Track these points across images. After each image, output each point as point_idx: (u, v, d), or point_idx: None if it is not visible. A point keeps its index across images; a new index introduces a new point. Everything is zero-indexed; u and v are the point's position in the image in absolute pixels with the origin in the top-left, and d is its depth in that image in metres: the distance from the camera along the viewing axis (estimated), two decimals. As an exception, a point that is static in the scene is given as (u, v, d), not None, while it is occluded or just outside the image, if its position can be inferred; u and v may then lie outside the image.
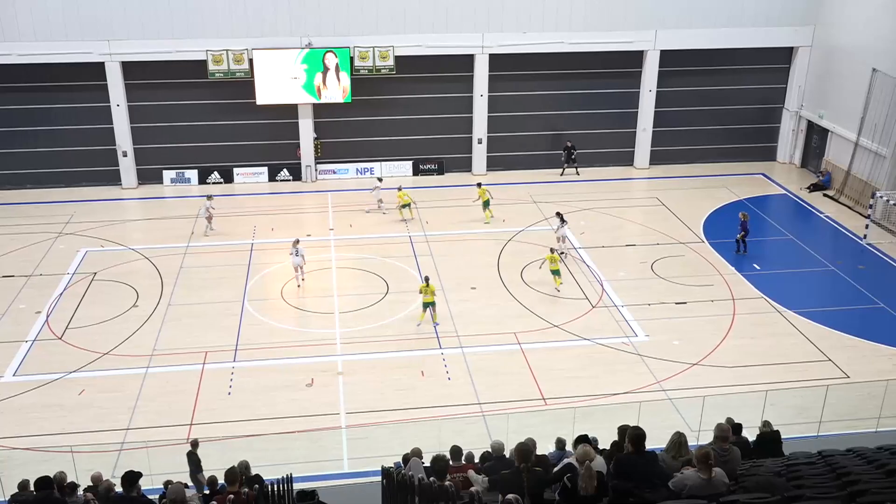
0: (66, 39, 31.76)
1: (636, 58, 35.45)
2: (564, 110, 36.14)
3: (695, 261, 27.85)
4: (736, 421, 14.09)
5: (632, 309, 24.61)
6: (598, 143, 36.72)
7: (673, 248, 28.78)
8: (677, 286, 25.96)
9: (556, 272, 25.57)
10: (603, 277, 26.63)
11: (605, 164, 36.78)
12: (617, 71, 35.74)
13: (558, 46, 34.22)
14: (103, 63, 32.60)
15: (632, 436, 9.28)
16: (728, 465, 9.63)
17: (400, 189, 31.49)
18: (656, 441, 9.93)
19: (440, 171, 36.34)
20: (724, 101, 36.78)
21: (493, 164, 36.33)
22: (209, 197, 30.35)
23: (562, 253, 27.10)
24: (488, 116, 35.46)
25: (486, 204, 30.72)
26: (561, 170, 35.90)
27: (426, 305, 23.42)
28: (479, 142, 35.91)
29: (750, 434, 14.94)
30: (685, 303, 24.92)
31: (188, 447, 16.54)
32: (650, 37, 34.74)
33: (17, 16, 31.38)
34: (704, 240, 29.47)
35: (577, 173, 35.83)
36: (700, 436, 15.78)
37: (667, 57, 35.24)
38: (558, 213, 28.36)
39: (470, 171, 36.35)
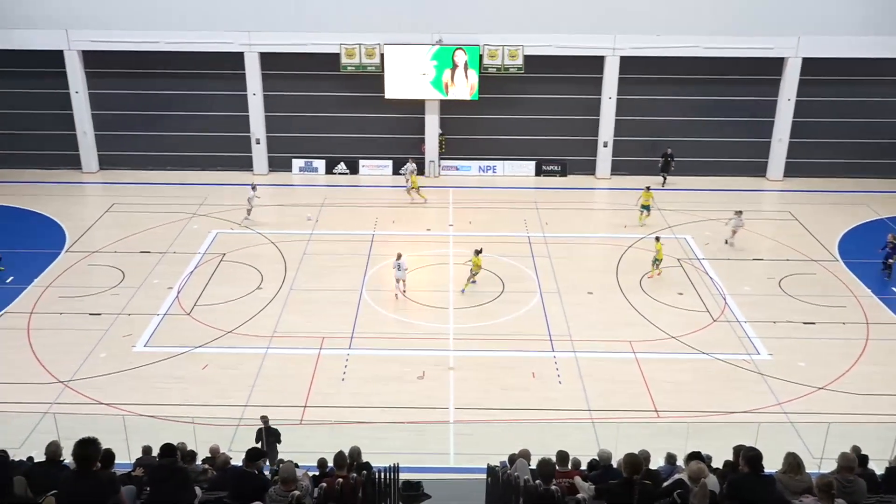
0: (209, 29, 33.30)
1: (776, 65, 34.06)
2: (695, 116, 35.16)
3: (827, 280, 26.55)
4: (862, 452, 13.34)
5: (755, 325, 23.71)
6: (730, 152, 35.54)
7: (804, 265, 27.52)
8: (806, 305, 24.82)
9: (646, 208, 27.61)
10: (726, 291, 25.76)
11: (734, 174, 35.54)
12: (754, 78, 34.43)
13: (693, 51, 33.32)
14: (242, 53, 34.01)
15: (748, 456, 8.92)
16: (852, 497, 9.14)
17: (413, 171, 32.87)
18: (773, 465, 9.52)
19: (563, 173, 36.03)
20: (869, 114, 34.86)
21: (617, 168, 35.75)
22: (254, 186, 30.76)
23: (727, 241, 28.83)
24: (615, 120, 34.89)
25: (646, 208, 30.27)
26: (662, 178, 34.78)
27: (475, 273, 25.58)
28: (605, 145, 35.39)
29: (878, 467, 14.10)
30: (814, 323, 23.80)
31: (301, 428, 17.04)
32: (792, 43, 33.31)
33: (166, 5, 33.14)
34: (839, 258, 28.05)
35: (664, 181, 34.39)
36: (822, 464, 15.04)
37: (809, 65, 33.69)
38: (737, 211, 28.90)
39: (593, 174, 35.90)
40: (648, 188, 30.75)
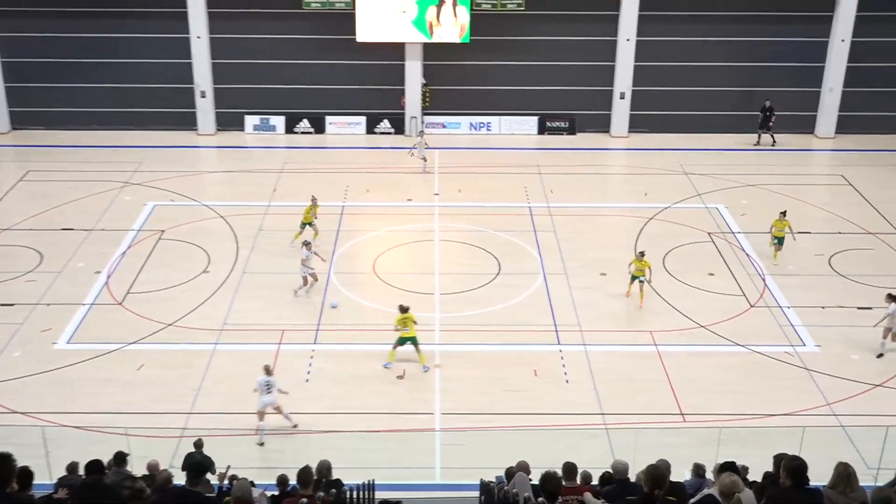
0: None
1: (827, -1, 34.09)
2: (732, 62, 35.15)
3: (887, 257, 26.74)
4: (927, 460, 13.52)
5: (800, 312, 23.84)
6: (774, 104, 35.54)
7: (859, 239, 27.67)
8: (861, 287, 24.96)
9: (779, 240, 25.69)
10: (765, 271, 25.89)
11: (779, 130, 35.58)
12: (803, 15, 34.42)
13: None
14: (184, -13, 33.81)
15: (790, 467, 9.00)
16: (913, 514, 9.22)
17: (314, 202, 27.30)
18: (821, 477, 9.62)
19: (571, 131, 36.04)
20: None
21: (636, 124, 35.76)
22: (307, 244, 24.79)
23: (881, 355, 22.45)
24: (634, 66, 34.86)
25: (779, 240, 26.26)
26: (757, 136, 34.91)
27: (404, 341, 21.23)
28: (622, 97, 35.39)
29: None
30: (870, 308, 23.91)
31: (257, 438, 17.01)
32: (849, -28, 33.36)
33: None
34: (901, 231, 28.29)
35: (774, 141, 34.68)
36: (879, 475, 15.19)
37: (867, -1, 33.77)
38: (890, 296, 22.12)
39: (608, 131, 35.91)
40: (784, 214, 26.36)
